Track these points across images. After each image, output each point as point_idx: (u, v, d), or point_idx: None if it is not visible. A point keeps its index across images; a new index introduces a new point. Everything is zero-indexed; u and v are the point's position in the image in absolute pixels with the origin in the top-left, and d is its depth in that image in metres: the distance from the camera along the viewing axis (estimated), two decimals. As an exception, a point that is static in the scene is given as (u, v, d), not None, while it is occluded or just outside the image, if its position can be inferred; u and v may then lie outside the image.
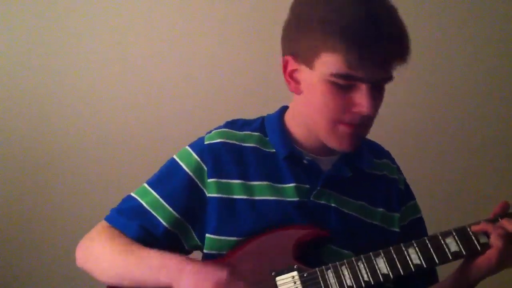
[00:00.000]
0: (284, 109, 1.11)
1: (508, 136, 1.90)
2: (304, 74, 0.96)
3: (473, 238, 0.91)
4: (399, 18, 0.91)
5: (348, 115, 0.94)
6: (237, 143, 1.06)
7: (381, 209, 1.06)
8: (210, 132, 1.09)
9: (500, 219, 0.92)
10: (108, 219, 1.05)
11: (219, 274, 0.89)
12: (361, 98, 0.91)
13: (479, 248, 0.90)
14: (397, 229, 1.06)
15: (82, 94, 1.86)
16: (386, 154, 1.16)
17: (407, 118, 1.89)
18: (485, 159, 1.91)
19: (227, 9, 1.85)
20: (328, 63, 0.90)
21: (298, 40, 0.94)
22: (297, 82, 0.99)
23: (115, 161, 1.88)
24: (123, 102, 1.87)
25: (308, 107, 0.98)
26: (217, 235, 1.00)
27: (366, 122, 0.96)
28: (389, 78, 0.94)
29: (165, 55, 1.86)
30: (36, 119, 1.86)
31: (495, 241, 0.89)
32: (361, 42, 0.86)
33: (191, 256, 1.06)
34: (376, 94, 0.93)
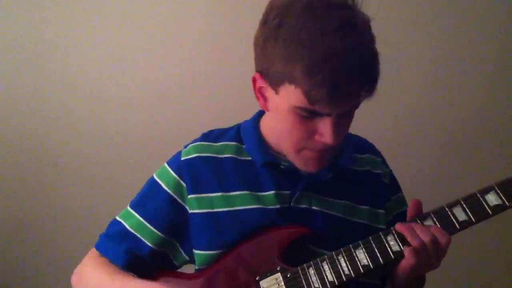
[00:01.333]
0: (260, 114, 1.10)
1: (508, 136, 1.86)
2: (270, 94, 0.94)
3: (452, 218, 0.90)
4: (367, 47, 0.86)
5: (311, 142, 0.92)
6: (213, 155, 1.06)
7: (366, 207, 1.04)
8: (187, 146, 1.09)
9: (417, 221, 0.92)
10: (97, 246, 1.08)
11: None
12: (324, 129, 0.89)
13: (458, 227, 0.90)
14: (383, 226, 1.04)
15: (82, 94, 1.88)
16: (369, 148, 1.13)
17: (406, 118, 1.86)
18: (484, 159, 1.87)
19: (226, 8, 1.84)
20: (291, 94, 0.87)
21: (264, 61, 0.90)
22: (265, 99, 0.97)
23: (115, 161, 1.90)
24: (122, 101, 1.88)
25: (276, 127, 0.98)
26: (205, 250, 1.01)
27: (339, 144, 0.92)
28: (355, 107, 0.91)
29: (164, 55, 1.87)
30: (37, 119, 1.88)
31: (408, 254, 0.88)
32: (324, 81, 0.82)
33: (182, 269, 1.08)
34: (341, 122, 0.90)
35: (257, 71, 0.95)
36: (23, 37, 1.85)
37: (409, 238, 0.88)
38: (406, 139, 1.86)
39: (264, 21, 0.91)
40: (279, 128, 0.95)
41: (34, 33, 1.85)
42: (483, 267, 1.89)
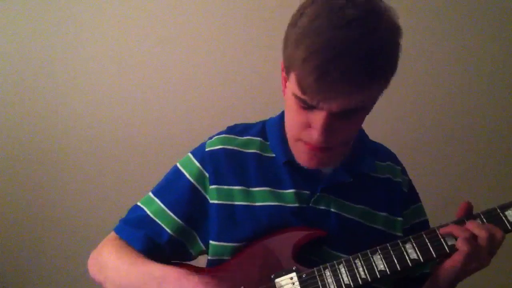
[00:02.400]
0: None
1: (508, 136, 1.86)
2: (287, 81, 0.96)
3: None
4: (376, 45, 0.83)
5: (305, 134, 0.93)
6: (237, 149, 1.07)
7: (383, 213, 1.05)
8: (212, 138, 1.10)
9: (466, 221, 0.92)
10: (116, 230, 1.09)
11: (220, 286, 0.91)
12: (314, 124, 0.89)
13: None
14: (400, 233, 1.05)
15: (82, 94, 1.90)
16: (391, 156, 1.15)
17: (407, 118, 1.88)
18: (484, 159, 1.88)
19: (228, 8, 1.86)
20: (292, 82, 0.89)
21: (284, 48, 0.93)
22: (284, 87, 0.99)
23: (115, 160, 1.91)
24: (123, 101, 1.90)
25: (286, 115, 1.00)
26: (218, 241, 1.02)
27: (330, 145, 0.91)
28: (357, 109, 0.87)
29: (166, 55, 1.88)
30: (37, 118, 1.90)
31: (462, 245, 0.88)
32: (314, 70, 0.82)
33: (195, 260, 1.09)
34: (338, 123, 0.88)
35: (283, 68, 0.96)
36: (23, 37, 1.87)
37: (461, 232, 0.89)
38: (407, 140, 1.87)
39: (293, 23, 0.93)
40: (287, 115, 0.98)
41: (34, 33, 1.87)
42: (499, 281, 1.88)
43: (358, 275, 0.91)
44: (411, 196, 1.12)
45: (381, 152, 1.13)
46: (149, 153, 1.89)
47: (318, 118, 0.87)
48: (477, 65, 1.85)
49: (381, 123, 1.79)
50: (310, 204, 1.01)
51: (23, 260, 1.94)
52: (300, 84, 0.85)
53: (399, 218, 1.06)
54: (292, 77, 0.88)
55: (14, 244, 1.95)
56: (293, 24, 0.90)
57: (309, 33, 0.84)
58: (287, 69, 0.90)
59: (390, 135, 1.75)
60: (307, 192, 1.02)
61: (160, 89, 1.90)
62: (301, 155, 0.97)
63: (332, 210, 1.02)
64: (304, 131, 0.92)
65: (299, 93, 0.87)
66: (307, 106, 0.89)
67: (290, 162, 1.03)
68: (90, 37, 1.88)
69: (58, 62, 1.88)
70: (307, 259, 0.97)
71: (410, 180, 1.14)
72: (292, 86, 0.89)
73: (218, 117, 1.84)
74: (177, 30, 1.88)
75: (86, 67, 1.89)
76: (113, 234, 1.09)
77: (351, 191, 1.04)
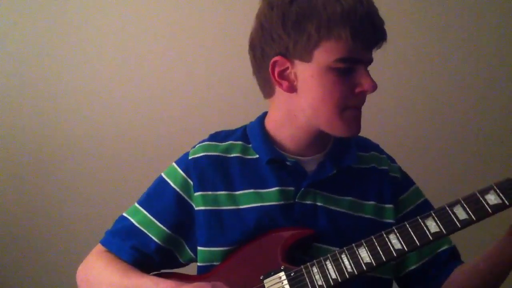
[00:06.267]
0: (264, 114, 1.13)
1: (508, 136, 1.86)
2: (299, 69, 0.97)
3: (453, 216, 0.91)
4: None
5: (353, 98, 0.97)
6: (220, 154, 1.09)
7: (372, 202, 1.06)
8: (195, 146, 1.12)
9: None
10: (103, 242, 1.10)
11: None
12: (362, 78, 0.95)
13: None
14: (391, 221, 1.06)
15: (82, 93, 1.89)
16: (374, 147, 1.16)
17: (407, 118, 1.87)
18: (484, 159, 1.88)
19: (228, 6, 1.87)
20: (331, 50, 0.93)
21: (287, 37, 0.95)
22: (290, 80, 0.99)
23: (115, 160, 1.91)
24: (123, 101, 1.90)
25: (310, 101, 0.98)
26: (207, 247, 1.03)
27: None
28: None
29: (165, 53, 1.88)
30: (38, 118, 1.90)
31: None
32: (361, 25, 0.91)
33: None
34: None
35: (272, 56, 0.98)
36: (25, 37, 1.87)
37: None
38: (405, 139, 1.87)
39: (271, 7, 0.97)
40: (317, 97, 0.97)
41: (34, 33, 1.87)
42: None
43: (345, 269, 0.91)
44: (403, 181, 1.13)
45: (364, 144, 1.15)
46: (150, 154, 1.89)
47: (361, 72, 0.95)
48: (477, 63, 1.86)
49: (380, 123, 1.80)
50: (296, 200, 1.03)
51: (22, 260, 1.94)
52: (352, 42, 0.91)
53: (389, 205, 1.07)
54: (330, 46, 0.92)
55: (13, 244, 1.95)
56: (290, 12, 0.94)
57: (328, 1, 0.92)
58: (310, 48, 0.93)
59: (388, 134, 1.77)
60: (292, 188, 1.03)
61: (160, 90, 1.90)
62: (352, 123, 1.00)
63: (319, 204, 1.03)
64: (350, 96, 0.97)
65: (347, 54, 0.93)
66: (347, 69, 0.94)
67: (274, 160, 1.04)
68: (89, 37, 1.88)
69: (58, 62, 1.88)
70: (299, 258, 0.98)
71: (399, 167, 1.15)
72: (330, 55, 0.93)
73: (218, 117, 1.85)
74: (177, 31, 1.88)
75: (86, 67, 1.89)
76: (100, 246, 1.10)
77: (336, 184, 1.05)
